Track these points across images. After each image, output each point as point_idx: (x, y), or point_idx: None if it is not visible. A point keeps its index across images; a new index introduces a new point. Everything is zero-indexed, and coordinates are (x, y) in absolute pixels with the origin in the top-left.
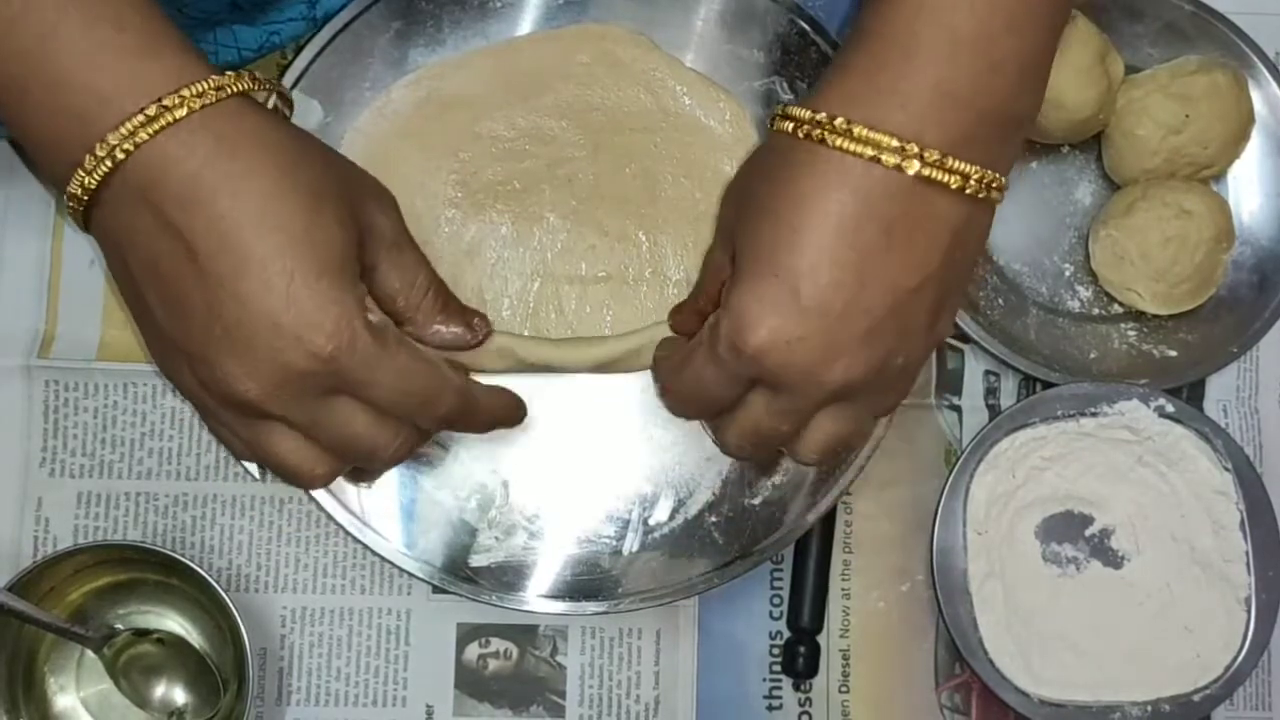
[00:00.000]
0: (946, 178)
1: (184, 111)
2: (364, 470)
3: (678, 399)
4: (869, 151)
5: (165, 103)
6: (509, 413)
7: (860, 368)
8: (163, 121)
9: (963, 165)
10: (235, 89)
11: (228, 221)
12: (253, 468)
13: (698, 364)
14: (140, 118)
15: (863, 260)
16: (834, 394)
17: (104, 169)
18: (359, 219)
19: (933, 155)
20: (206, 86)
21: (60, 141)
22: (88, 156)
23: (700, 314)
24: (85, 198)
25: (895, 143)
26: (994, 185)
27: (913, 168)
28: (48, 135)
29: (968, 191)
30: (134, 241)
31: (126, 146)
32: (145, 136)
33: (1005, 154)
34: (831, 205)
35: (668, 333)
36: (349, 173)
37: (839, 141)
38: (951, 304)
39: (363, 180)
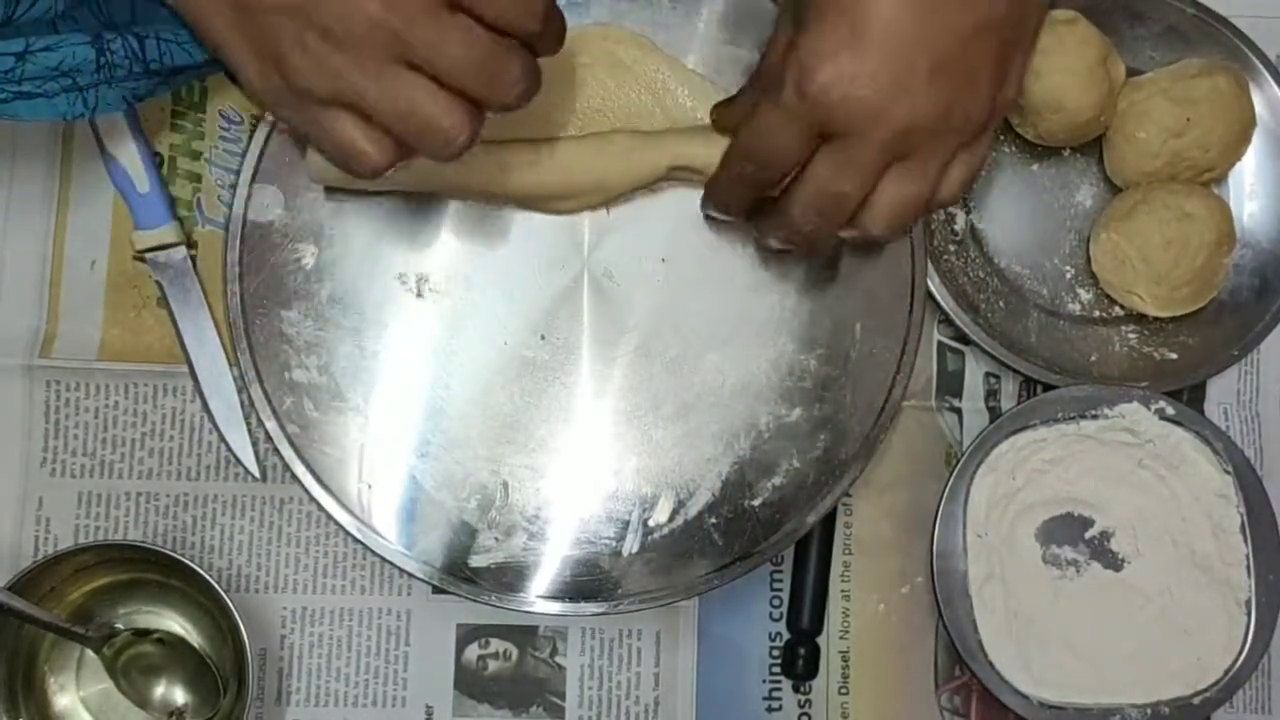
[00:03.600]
0: None
1: None
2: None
3: (743, 154)
4: None
5: None
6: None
7: (923, 109)
8: None
9: None
10: None
11: None
12: (253, 467)
13: (764, 113)
14: None
15: None
16: (896, 139)
17: None
18: None
19: None
20: None
21: None
22: None
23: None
24: None
25: None
26: None
27: None
28: None
29: None
30: None
31: None
32: None
33: None
34: None
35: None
36: None
37: None
38: (1017, 64)
39: None
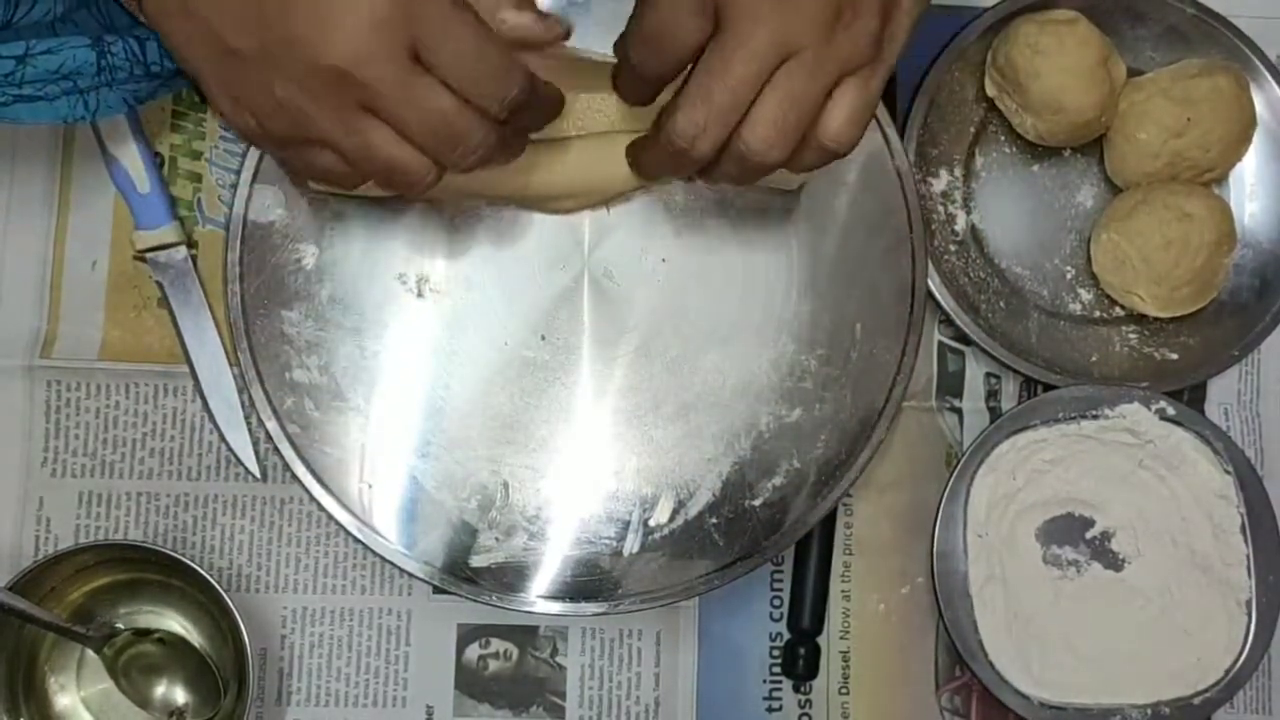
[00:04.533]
0: None
1: None
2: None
3: (643, 41)
4: None
5: None
6: (557, 106)
7: (810, 5)
8: None
9: None
10: None
11: None
12: (253, 467)
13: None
14: None
15: None
16: (778, 31)
17: None
18: None
19: None
20: None
21: None
22: None
23: None
24: None
25: None
26: None
27: None
28: None
29: None
30: None
31: None
32: None
33: None
34: None
35: None
36: None
37: None
38: (899, 20)
39: None
